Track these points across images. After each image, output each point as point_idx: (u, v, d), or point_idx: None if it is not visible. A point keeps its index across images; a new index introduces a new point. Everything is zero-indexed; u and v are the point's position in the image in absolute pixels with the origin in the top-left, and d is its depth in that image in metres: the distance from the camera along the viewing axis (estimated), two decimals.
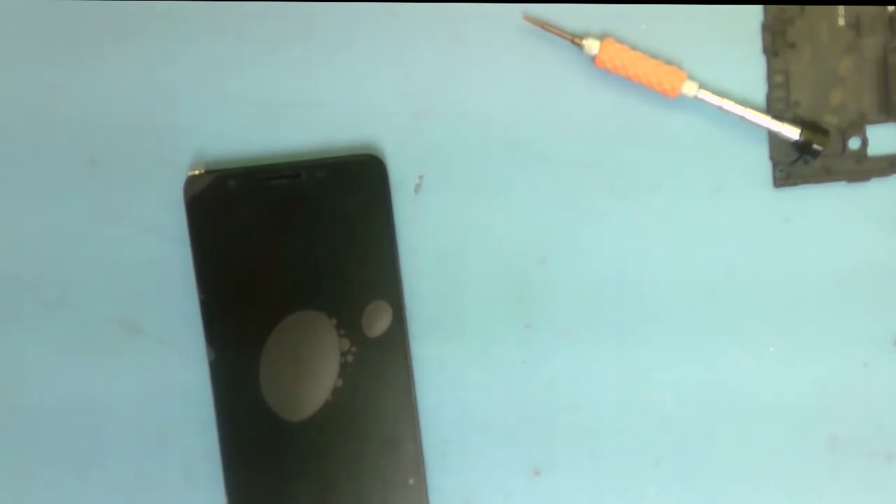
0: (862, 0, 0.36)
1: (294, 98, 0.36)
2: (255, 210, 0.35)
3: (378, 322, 0.35)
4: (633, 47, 0.36)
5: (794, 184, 0.36)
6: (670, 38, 0.36)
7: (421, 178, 0.37)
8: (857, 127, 0.36)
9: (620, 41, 0.36)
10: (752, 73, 0.36)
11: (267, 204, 0.35)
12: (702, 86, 0.35)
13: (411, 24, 0.36)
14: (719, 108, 0.35)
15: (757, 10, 0.36)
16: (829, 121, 0.36)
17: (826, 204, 0.37)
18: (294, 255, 0.35)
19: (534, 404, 0.37)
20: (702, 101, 0.35)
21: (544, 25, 0.35)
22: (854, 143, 0.36)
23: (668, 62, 0.36)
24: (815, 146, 0.35)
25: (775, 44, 0.36)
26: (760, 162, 0.36)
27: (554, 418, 0.37)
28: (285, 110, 0.36)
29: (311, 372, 0.35)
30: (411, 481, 0.35)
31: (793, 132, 0.35)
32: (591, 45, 0.35)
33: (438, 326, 0.37)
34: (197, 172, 0.35)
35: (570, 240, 0.37)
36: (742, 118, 0.35)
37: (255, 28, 0.36)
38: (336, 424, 0.35)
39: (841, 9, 0.36)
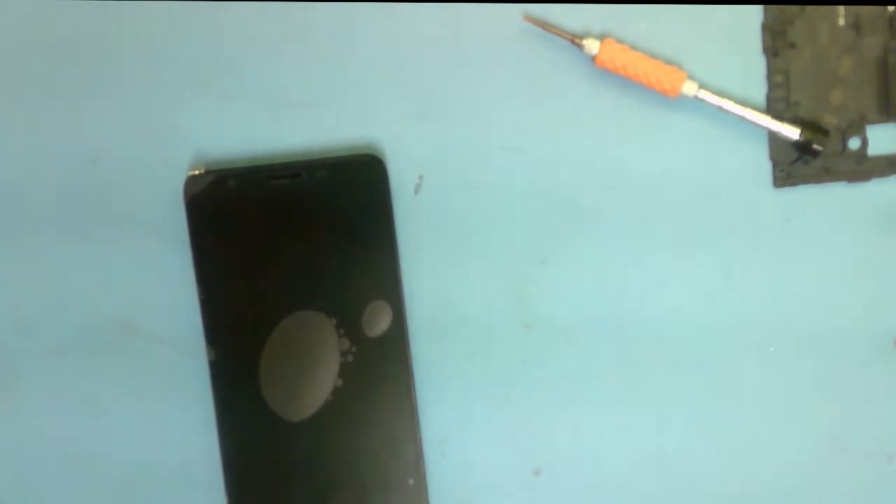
0: (862, 0, 0.36)
1: (294, 98, 0.36)
2: (255, 210, 0.35)
3: (378, 322, 0.35)
4: (633, 47, 0.36)
5: (794, 184, 0.36)
6: (670, 38, 0.36)
7: (421, 178, 0.37)
8: (857, 127, 0.36)
9: (620, 41, 0.36)
10: (752, 73, 0.36)
11: (267, 204, 0.35)
12: (702, 86, 0.35)
13: (411, 24, 0.36)
14: (719, 108, 0.35)
15: (757, 10, 0.36)
16: (829, 121, 0.36)
17: (826, 204, 0.37)
18: (294, 255, 0.35)
19: (534, 404, 0.37)
20: (702, 101, 0.35)
21: (544, 25, 0.35)
22: (854, 143, 0.36)
23: (668, 62, 0.36)
24: (815, 146, 0.35)
25: (775, 44, 0.36)
26: (760, 162, 0.36)
27: (554, 418, 0.37)
28: (285, 110, 0.36)
29: (311, 372, 0.35)
30: (411, 481, 0.35)
31: (793, 132, 0.35)
32: (591, 45, 0.35)
33: (438, 326, 0.37)
34: (197, 172, 0.35)
35: (570, 240, 0.37)
36: (742, 118, 0.35)
37: (255, 28, 0.36)
38: (336, 424, 0.35)
39: (841, 9, 0.36)
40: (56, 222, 0.36)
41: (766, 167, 0.36)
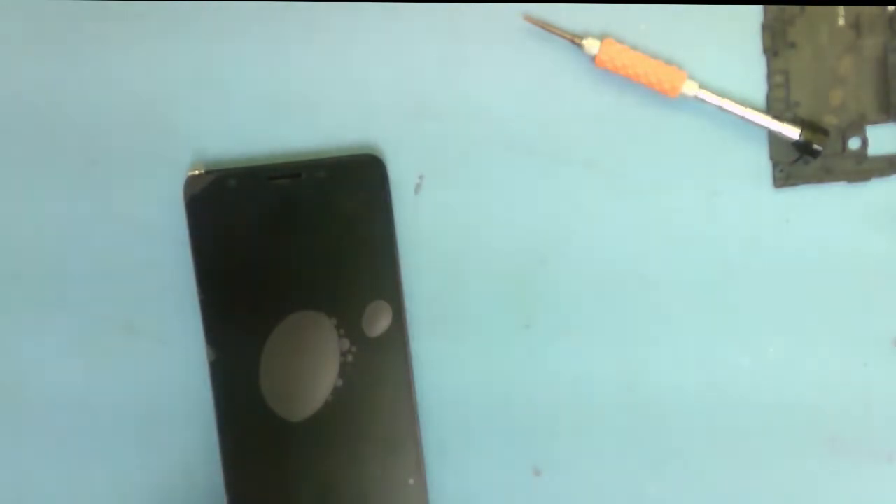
0: (862, 0, 0.36)
1: (294, 98, 0.36)
2: (255, 210, 0.35)
3: (378, 322, 0.35)
4: (633, 47, 0.36)
5: (794, 184, 0.36)
6: (670, 38, 0.36)
7: (421, 178, 0.37)
8: (857, 127, 0.36)
9: (620, 41, 0.36)
10: (752, 73, 0.36)
11: (267, 204, 0.35)
12: (702, 86, 0.35)
13: (411, 24, 0.36)
14: (719, 108, 0.35)
15: (757, 10, 0.36)
16: (829, 121, 0.36)
17: (826, 204, 0.37)
18: (294, 255, 0.35)
19: (534, 405, 0.37)
20: (702, 101, 0.35)
21: (544, 25, 0.35)
22: (854, 143, 0.36)
23: (668, 62, 0.36)
24: (815, 146, 0.35)
25: (775, 44, 0.36)
26: (760, 162, 0.36)
27: (554, 418, 0.37)
28: (285, 110, 0.36)
29: (311, 372, 0.35)
30: (411, 481, 0.35)
31: (793, 132, 0.35)
32: (591, 45, 0.35)
33: (438, 326, 0.37)
34: (197, 172, 0.35)
35: (570, 240, 0.37)
36: (742, 118, 0.35)
37: (255, 28, 0.36)
38: (336, 424, 0.35)
39: (841, 9, 0.36)
40: (56, 222, 0.36)
41: (766, 167, 0.36)
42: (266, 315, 0.35)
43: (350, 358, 0.35)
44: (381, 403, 0.35)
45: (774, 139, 0.36)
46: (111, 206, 0.36)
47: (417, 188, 0.37)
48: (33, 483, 0.37)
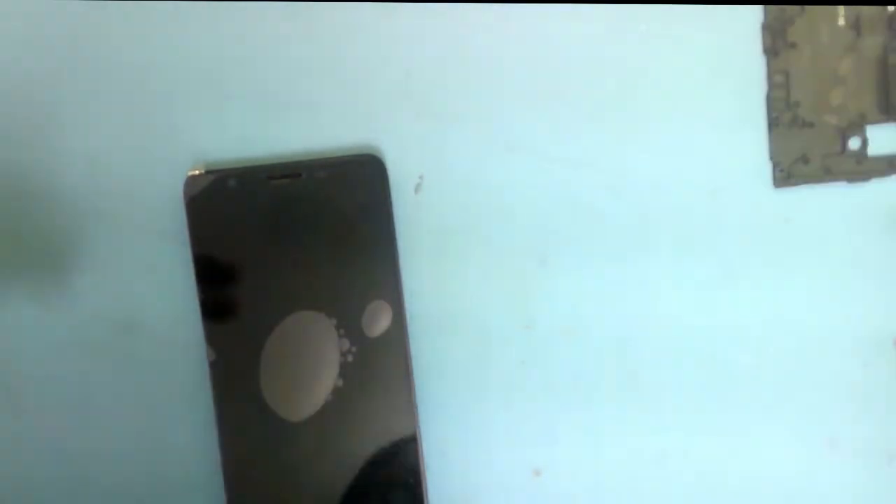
0: (862, 0, 0.36)
1: (294, 98, 0.36)
2: (255, 210, 0.35)
3: (378, 322, 0.35)
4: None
5: (794, 184, 0.36)
6: (670, 38, 0.36)
7: (421, 178, 0.37)
8: (857, 127, 0.36)
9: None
10: (752, 73, 0.36)
11: (267, 204, 0.35)
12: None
13: (411, 24, 0.36)
14: None
15: (757, 10, 0.36)
16: (829, 121, 0.36)
17: (826, 204, 0.37)
18: (294, 254, 0.35)
19: (534, 404, 0.37)
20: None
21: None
22: (854, 143, 0.36)
23: (668, 62, 0.36)
24: None
25: (775, 44, 0.36)
26: (760, 162, 0.36)
27: (554, 418, 0.37)
28: (285, 110, 0.36)
29: (311, 372, 0.35)
30: (411, 481, 0.35)
31: None
32: None
33: (438, 326, 0.37)
34: (197, 172, 0.35)
35: (569, 240, 0.37)
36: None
37: (255, 28, 0.36)
38: (336, 424, 0.35)
39: (841, 9, 0.36)
40: (55, 223, 0.36)
41: (766, 167, 0.36)
42: (266, 315, 0.35)
43: (350, 358, 0.35)
44: (381, 403, 0.35)
45: (774, 139, 0.36)
46: (111, 206, 0.36)
47: (417, 188, 0.37)
48: (31, 482, 0.37)
